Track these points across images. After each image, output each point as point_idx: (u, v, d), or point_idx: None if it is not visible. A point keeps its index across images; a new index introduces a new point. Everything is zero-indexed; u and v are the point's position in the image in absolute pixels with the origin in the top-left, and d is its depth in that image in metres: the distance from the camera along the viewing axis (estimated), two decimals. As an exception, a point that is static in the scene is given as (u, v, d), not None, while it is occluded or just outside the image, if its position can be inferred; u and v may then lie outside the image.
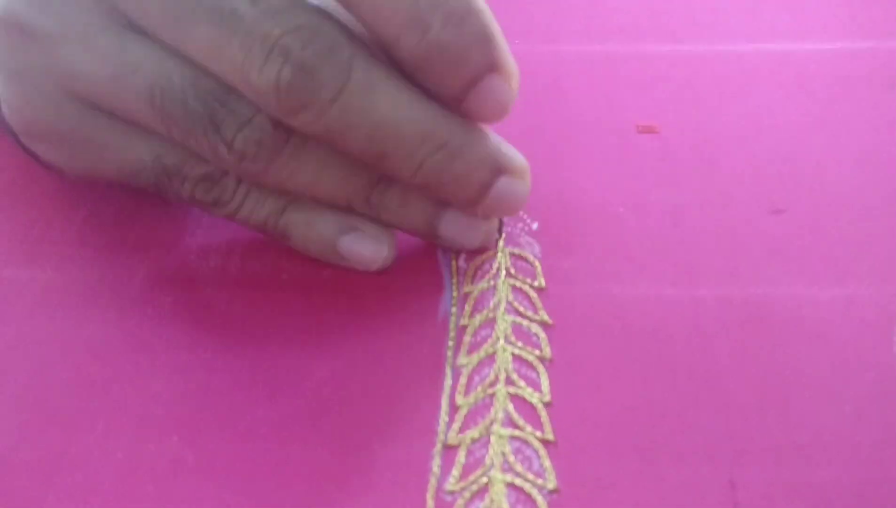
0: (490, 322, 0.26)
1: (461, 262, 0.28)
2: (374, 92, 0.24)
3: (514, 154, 0.26)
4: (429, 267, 0.28)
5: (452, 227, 0.27)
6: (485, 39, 0.24)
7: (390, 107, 0.24)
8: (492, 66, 0.24)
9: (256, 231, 0.28)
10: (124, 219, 0.30)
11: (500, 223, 0.29)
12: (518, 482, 0.22)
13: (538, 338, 0.26)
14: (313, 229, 0.27)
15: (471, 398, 0.24)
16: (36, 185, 0.31)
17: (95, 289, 0.28)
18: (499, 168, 0.25)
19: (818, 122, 0.32)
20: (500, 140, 0.26)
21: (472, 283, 0.28)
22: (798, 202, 0.29)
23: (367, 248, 0.27)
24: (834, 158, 0.31)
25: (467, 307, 0.27)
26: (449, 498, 0.22)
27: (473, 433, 0.23)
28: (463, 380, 0.25)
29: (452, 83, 0.24)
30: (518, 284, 0.27)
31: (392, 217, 0.27)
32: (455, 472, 0.23)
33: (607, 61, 0.36)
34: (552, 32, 0.37)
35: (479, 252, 0.28)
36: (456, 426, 0.24)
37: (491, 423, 0.24)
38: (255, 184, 0.26)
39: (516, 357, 0.25)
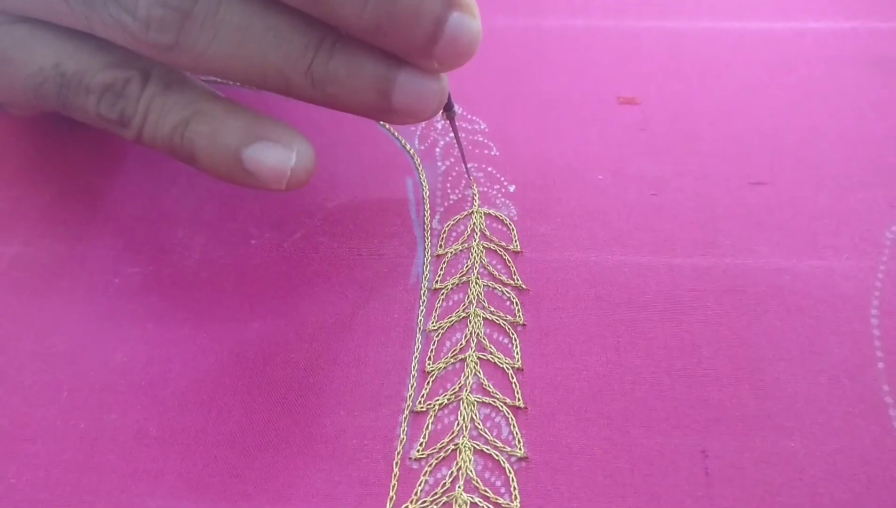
0: (463, 286, 0.26)
1: (435, 223, 0.28)
2: None
3: None
4: (402, 229, 0.28)
5: (407, 91, 0.24)
6: None
7: None
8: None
9: (166, 154, 0.25)
10: (93, 193, 0.30)
11: (450, 98, 0.27)
12: (486, 449, 0.22)
13: (512, 303, 0.25)
14: (218, 140, 0.25)
15: (441, 364, 0.24)
16: (5, 161, 0.31)
17: (63, 262, 0.27)
18: (449, 2, 0.22)
19: (800, 98, 0.32)
20: None
21: (445, 245, 0.27)
22: (778, 175, 0.29)
23: (273, 158, 0.24)
24: (815, 133, 0.30)
25: (440, 270, 0.26)
26: (415, 466, 0.22)
27: (442, 399, 0.23)
28: (433, 346, 0.24)
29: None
30: (493, 247, 0.27)
31: (339, 90, 0.24)
32: (422, 439, 0.22)
33: (590, 36, 0.35)
34: (536, 7, 0.37)
35: (454, 213, 0.28)
36: (425, 392, 0.23)
37: (460, 389, 0.23)
38: (178, 65, 0.24)
39: (489, 322, 0.25)
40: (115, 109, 0.25)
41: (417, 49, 0.23)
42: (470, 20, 0.23)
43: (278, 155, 0.24)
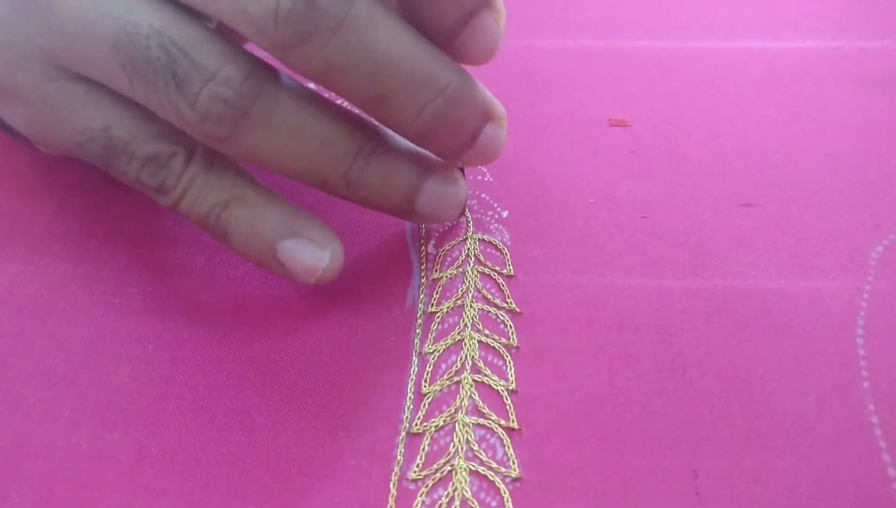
0: (458, 310, 0.26)
1: (430, 248, 0.28)
2: (376, 25, 0.22)
3: (496, 100, 0.25)
4: (398, 254, 0.28)
5: (431, 199, 0.26)
6: None
7: (392, 42, 0.22)
8: (486, 1, 0.24)
9: (199, 227, 0.26)
10: (93, 212, 0.30)
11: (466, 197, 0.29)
12: (482, 470, 0.22)
13: (506, 326, 0.26)
14: (255, 229, 0.25)
15: (436, 387, 0.24)
16: (5, 179, 0.31)
17: (63, 281, 0.28)
18: (487, 114, 0.25)
19: (788, 118, 0.32)
20: (482, 84, 0.25)
21: (441, 270, 0.28)
22: (766, 196, 0.29)
23: (308, 256, 0.25)
24: (803, 153, 0.31)
25: (436, 295, 0.27)
26: (412, 486, 0.22)
27: (438, 421, 0.23)
28: (429, 368, 0.25)
29: (450, 14, 0.23)
30: (487, 271, 0.27)
31: (369, 194, 0.25)
32: (419, 460, 0.23)
33: (581, 57, 0.36)
34: (527, 28, 0.37)
35: (449, 238, 0.29)
36: (421, 414, 0.24)
37: (456, 411, 0.24)
38: (227, 152, 0.25)
39: (483, 345, 0.25)
40: (156, 178, 0.25)
41: (451, 153, 0.26)
42: (500, 132, 0.25)
43: (312, 254, 0.25)
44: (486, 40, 0.24)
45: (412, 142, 0.25)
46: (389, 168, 0.25)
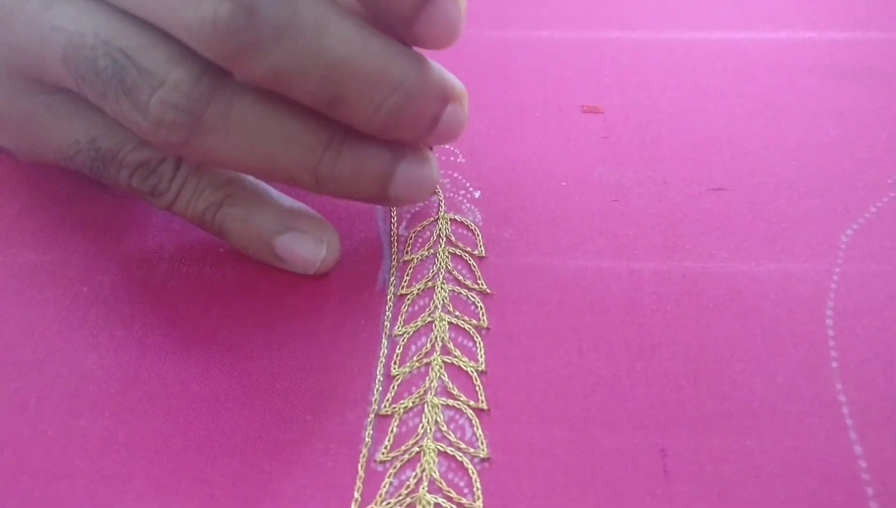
0: (429, 291, 0.26)
1: (401, 230, 0.28)
2: (323, 28, 0.21)
3: (454, 80, 0.24)
4: (368, 236, 0.28)
5: (403, 184, 0.25)
6: None
7: (342, 44, 0.22)
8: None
9: (195, 225, 0.27)
10: (62, 201, 0.30)
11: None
12: (450, 450, 0.22)
13: (476, 307, 0.26)
14: (250, 225, 0.26)
15: (406, 368, 0.24)
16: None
17: (32, 270, 0.27)
18: (446, 98, 0.24)
19: (759, 107, 0.32)
20: (439, 66, 0.24)
21: (412, 251, 0.28)
22: (738, 182, 0.29)
23: (305, 249, 0.26)
24: (775, 141, 0.31)
25: (406, 276, 0.27)
26: (380, 468, 0.22)
27: (407, 402, 0.23)
28: (399, 350, 0.25)
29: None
30: (458, 252, 0.27)
31: (340, 187, 0.25)
32: (387, 442, 0.23)
33: (555, 47, 0.36)
34: (502, 18, 0.37)
35: (420, 219, 0.28)
36: (390, 396, 0.24)
37: (425, 392, 0.24)
38: (188, 159, 0.25)
39: (453, 326, 0.25)
40: (148, 184, 0.26)
41: (413, 139, 0.25)
42: (460, 110, 0.25)
43: (310, 247, 0.26)
44: (445, 24, 0.23)
45: (373, 135, 0.25)
46: (359, 160, 0.24)
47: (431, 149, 0.27)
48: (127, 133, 0.25)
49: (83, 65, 0.23)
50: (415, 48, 0.24)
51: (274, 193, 0.27)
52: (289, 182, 0.25)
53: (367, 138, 0.24)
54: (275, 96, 0.23)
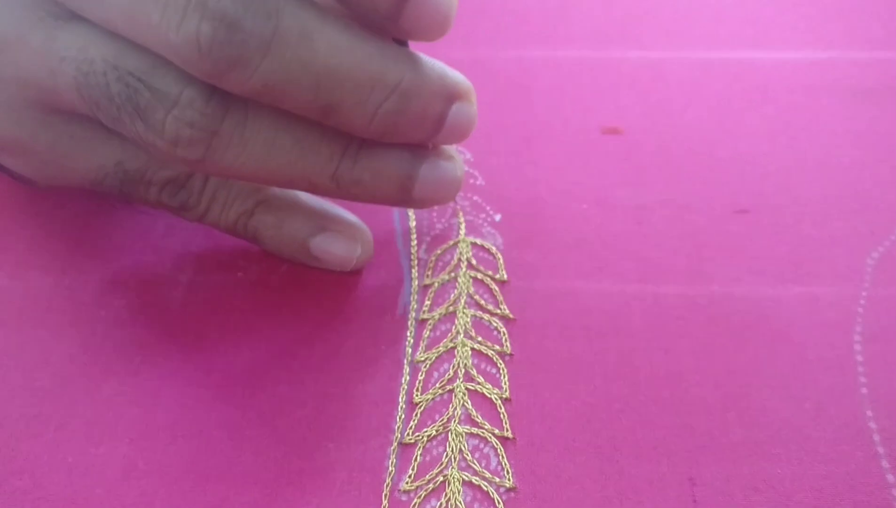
0: (450, 316, 0.26)
1: (422, 253, 0.28)
2: (309, 37, 0.21)
3: (458, 77, 0.24)
4: (388, 259, 0.28)
5: (427, 185, 0.25)
6: None
7: (331, 51, 0.21)
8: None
9: (227, 233, 0.27)
10: (78, 225, 0.29)
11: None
12: (475, 480, 0.22)
13: (499, 333, 0.25)
14: (284, 230, 0.26)
15: (429, 395, 0.24)
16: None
17: (49, 294, 0.27)
18: (450, 95, 0.23)
19: (780, 127, 0.32)
20: (440, 64, 0.24)
21: (432, 275, 0.27)
22: (761, 204, 0.29)
23: (339, 248, 0.26)
24: (795, 162, 0.31)
25: (427, 301, 0.27)
26: (404, 498, 0.22)
27: (430, 430, 0.23)
28: (421, 377, 0.24)
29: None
30: (479, 276, 0.27)
31: (362, 191, 0.24)
32: (411, 471, 0.22)
33: (573, 66, 0.36)
34: (519, 38, 0.37)
35: (441, 242, 0.28)
36: (413, 423, 0.23)
37: (448, 420, 0.23)
38: (208, 174, 0.25)
39: (476, 352, 0.25)
40: (177, 199, 0.26)
41: (419, 142, 0.24)
42: (468, 108, 0.24)
43: (345, 247, 0.26)
44: (433, 12, 0.22)
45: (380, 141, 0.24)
46: (379, 162, 0.24)
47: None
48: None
49: (96, 92, 0.23)
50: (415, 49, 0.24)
51: (304, 195, 0.27)
52: (310, 189, 0.25)
53: (387, 146, 0.24)
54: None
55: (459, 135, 0.24)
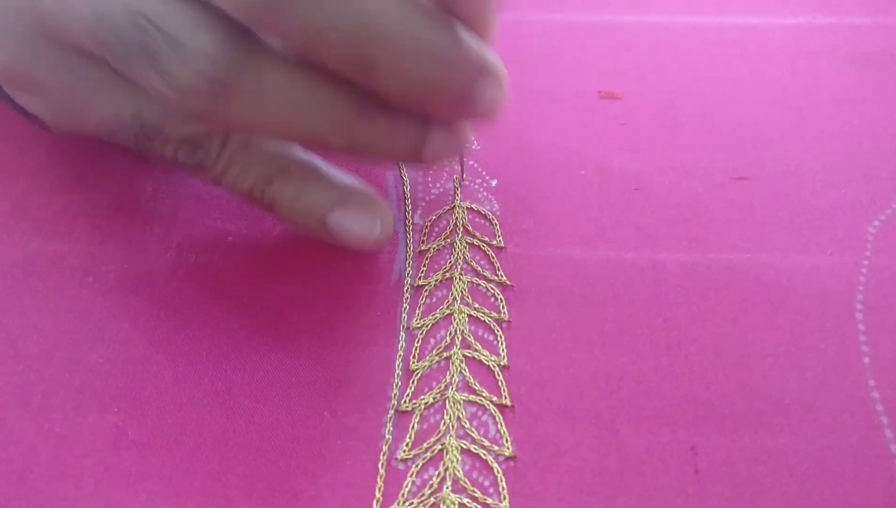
0: (447, 282, 0.26)
1: (416, 218, 0.27)
2: None
3: (492, 56, 0.23)
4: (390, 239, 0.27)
5: (436, 148, 0.24)
6: None
7: (377, 4, 0.20)
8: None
9: (242, 199, 0.26)
10: (64, 189, 0.29)
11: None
12: (474, 448, 0.22)
13: (496, 299, 0.25)
14: (302, 201, 0.25)
15: (425, 363, 0.23)
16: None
17: (35, 260, 0.26)
18: (480, 70, 0.22)
19: (780, 94, 0.32)
20: (479, 41, 0.23)
21: (427, 241, 0.27)
22: (761, 171, 0.29)
23: (358, 225, 0.25)
24: (796, 129, 0.30)
25: (423, 267, 0.26)
26: (401, 467, 0.21)
27: (427, 398, 0.23)
28: (418, 344, 0.24)
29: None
30: (476, 242, 0.27)
31: (374, 152, 0.24)
32: (408, 439, 0.22)
33: (571, 30, 0.35)
34: (517, 2, 0.36)
35: (436, 207, 0.28)
36: (409, 391, 0.23)
37: (446, 388, 0.23)
38: (216, 127, 0.24)
39: (473, 319, 0.25)
40: (194, 158, 0.25)
41: (447, 115, 0.23)
42: (497, 87, 0.23)
43: (364, 224, 0.25)
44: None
45: (405, 107, 0.23)
46: (394, 124, 0.23)
47: None
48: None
49: (109, 34, 0.22)
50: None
51: (325, 167, 0.26)
52: (322, 147, 0.24)
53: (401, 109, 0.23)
54: (304, 64, 0.22)
55: (486, 113, 0.23)
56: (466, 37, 0.22)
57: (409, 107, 0.23)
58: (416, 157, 0.24)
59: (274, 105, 0.22)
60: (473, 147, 0.28)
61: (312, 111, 0.22)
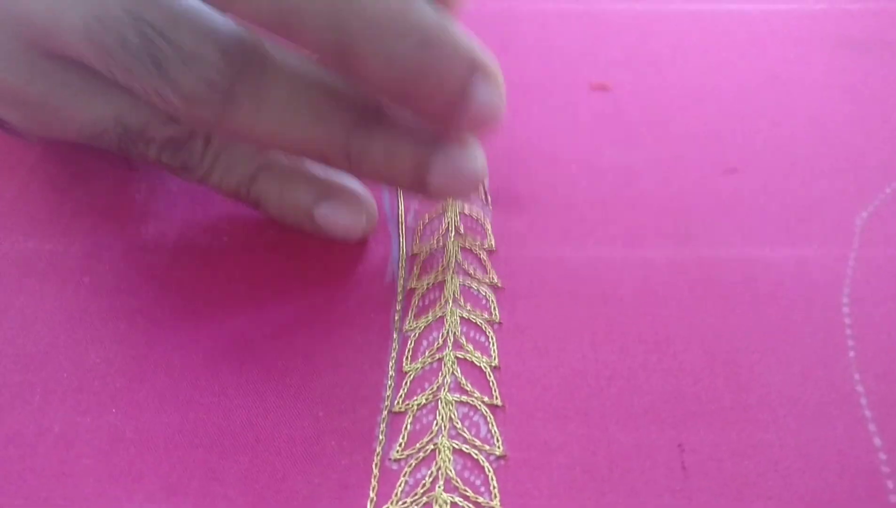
0: (439, 285, 0.26)
1: (409, 220, 0.28)
2: None
3: (486, 54, 0.22)
4: (376, 226, 0.27)
5: (443, 173, 0.23)
6: None
7: None
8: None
9: (229, 198, 0.26)
10: (59, 188, 0.29)
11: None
12: (465, 448, 0.22)
13: (488, 301, 0.25)
14: (287, 196, 0.26)
15: (418, 364, 0.24)
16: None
17: (31, 260, 0.27)
18: (473, 64, 0.21)
19: (771, 81, 0.32)
20: (472, 36, 0.22)
21: (420, 242, 0.27)
22: (750, 162, 0.29)
23: (344, 217, 0.26)
24: (786, 117, 0.30)
25: (415, 269, 0.26)
26: (395, 467, 0.22)
27: (420, 399, 0.23)
28: (410, 345, 0.24)
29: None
30: (468, 244, 0.27)
31: (374, 169, 0.24)
32: (401, 440, 0.22)
33: (560, 19, 0.35)
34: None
35: (428, 209, 0.28)
36: (402, 392, 0.23)
37: (438, 389, 0.23)
38: (219, 135, 0.25)
39: (465, 321, 0.25)
40: (178, 158, 0.25)
41: (440, 115, 0.23)
42: (494, 89, 0.22)
43: (350, 215, 0.26)
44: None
45: (390, 102, 0.23)
46: (394, 140, 0.23)
47: None
48: (153, 108, 0.24)
49: (109, 38, 0.22)
50: None
51: (308, 163, 0.26)
52: (324, 160, 0.24)
53: (404, 122, 0.23)
54: (310, 70, 0.23)
55: (485, 118, 0.22)
56: (454, 23, 0.22)
57: (394, 98, 0.23)
58: (421, 183, 0.24)
59: (273, 114, 0.22)
60: (486, 178, 0.28)
61: (310, 120, 0.23)
